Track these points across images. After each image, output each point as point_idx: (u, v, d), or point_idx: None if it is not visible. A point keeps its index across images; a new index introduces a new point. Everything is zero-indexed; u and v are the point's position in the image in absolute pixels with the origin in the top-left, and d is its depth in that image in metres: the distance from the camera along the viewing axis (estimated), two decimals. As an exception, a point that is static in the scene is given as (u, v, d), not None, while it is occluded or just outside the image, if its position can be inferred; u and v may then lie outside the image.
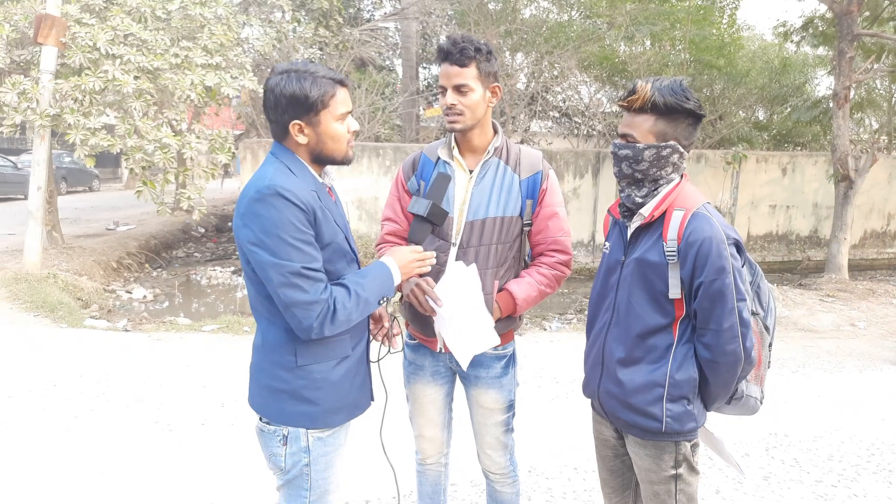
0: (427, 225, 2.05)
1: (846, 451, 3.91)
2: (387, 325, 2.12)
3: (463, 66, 2.08)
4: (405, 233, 2.34)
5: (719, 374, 1.83)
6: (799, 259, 12.70)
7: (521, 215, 2.21)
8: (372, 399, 2.03)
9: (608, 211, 2.11)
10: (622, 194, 1.94)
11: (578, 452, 3.72)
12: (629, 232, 1.94)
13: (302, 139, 1.79)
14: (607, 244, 2.07)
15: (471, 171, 2.22)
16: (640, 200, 1.88)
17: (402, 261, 1.93)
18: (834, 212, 10.25)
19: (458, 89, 2.10)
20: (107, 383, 4.69)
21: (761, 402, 1.99)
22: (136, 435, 3.87)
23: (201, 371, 5.01)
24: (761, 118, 16.39)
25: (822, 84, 17.31)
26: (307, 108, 1.74)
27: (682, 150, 1.84)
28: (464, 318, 2.08)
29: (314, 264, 1.70)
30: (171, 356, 5.39)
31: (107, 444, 3.75)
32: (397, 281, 1.91)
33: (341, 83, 1.79)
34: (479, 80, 2.11)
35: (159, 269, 10.88)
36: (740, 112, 15.38)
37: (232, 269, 10.69)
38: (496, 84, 2.19)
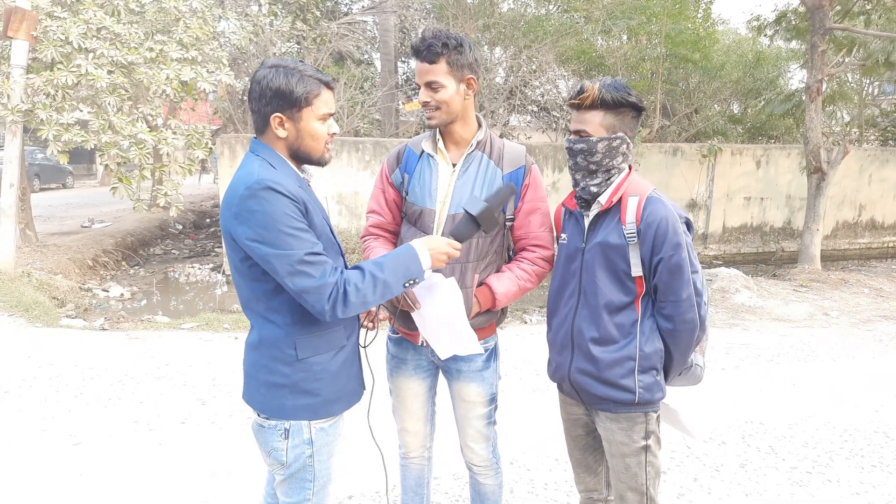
0: (474, 226, 1.99)
1: (820, 438, 4.00)
2: (373, 309, 2.11)
3: (432, 62, 2.09)
4: (389, 225, 2.35)
5: (679, 343, 2.00)
6: (773, 250, 12.91)
7: (503, 210, 2.22)
8: (364, 387, 2.07)
9: (562, 205, 2.25)
10: (578, 187, 2.09)
11: (559, 444, 3.74)
12: (587, 220, 2.08)
13: (281, 133, 1.80)
14: (564, 235, 2.20)
15: (454, 165, 2.23)
16: (595, 190, 2.04)
17: (434, 248, 1.90)
18: (807, 203, 10.43)
19: (430, 86, 2.12)
20: (84, 383, 4.63)
21: (703, 370, 2.15)
22: (115, 435, 3.84)
23: (181, 369, 4.97)
24: (736, 111, 16.62)
25: (795, 77, 17.59)
26: (290, 102, 1.77)
27: (629, 140, 2.03)
28: (443, 325, 2.09)
29: (316, 249, 1.73)
30: (149, 355, 5.33)
31: (85, 444, 3.71)
32: (426, 265, 1.87)
33: (327, 85, 1.81)
34: (450, 74, 2.11)
35: (136, 267, 10.73)
36: (715, 106, 15.57)
37: (210, 266, 10.59)
38: (471, 76, 2.16)
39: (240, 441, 3.77)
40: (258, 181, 1.69)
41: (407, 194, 2.27)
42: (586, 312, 2.06)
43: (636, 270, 1.98)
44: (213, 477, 3.36)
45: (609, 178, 2.03)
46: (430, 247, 1.89)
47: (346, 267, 1.92)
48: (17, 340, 5.64)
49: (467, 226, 1.99)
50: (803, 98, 10.89)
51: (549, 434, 3.91)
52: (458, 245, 1.96)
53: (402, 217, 2.35)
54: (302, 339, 1.82)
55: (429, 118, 2.15)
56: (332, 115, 1.85)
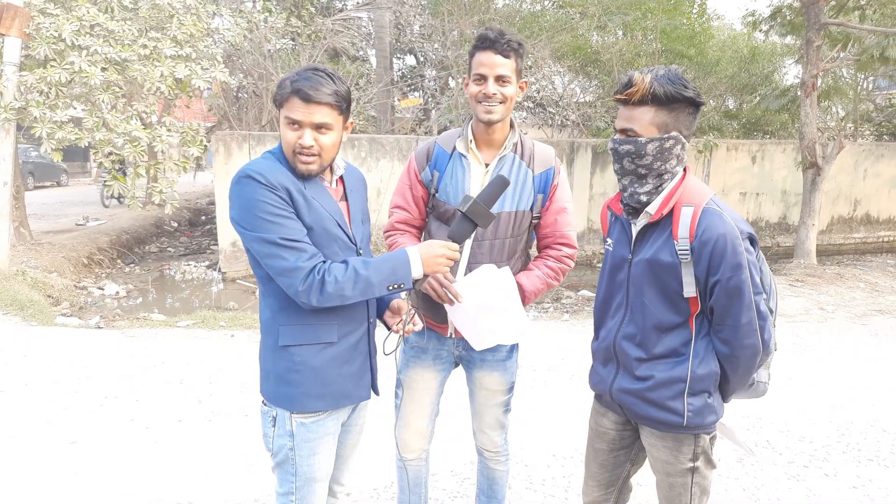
0: (469, 225, 1.93)
1: (817, 433, 4.01)
2: (404, 317, 2.07)
3: (507, 57, 2.12)
4: (416, 221, 2.37)
5: (738, 368, 1.81)
6: (768, 245, 12.93)
7: (531, 209, 2.28)
8: (375, 393, 2.06)
9: (607, 206, 2.05)
10: (624, 193, 1.87)
11: (556, 439, 3.76)
12: (635, 230, 1.88)
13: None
14: (609, 241, 2.01)
15: (486, 165, 2.25)
16: (644, 198, 1.82)
17: (428, 254, 1.85)
18: (802, 198, 10.45)
19: (500, 79, 2.13)
20: (80, 381, 4.61)
21: (767, 385, 1.98)
22: (112, 433, 3.82)
23: (177, 367, 4.95)
24: (731, 107, 16.61)
25: (790, 73, 17.63)
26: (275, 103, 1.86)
27: (684, 140, 1.80)
28: (489, 315, 2.08)
29: (293, 235, 1.76)
30: (145, 353, 5.31)
31: (81, 443, 3.69)
32: (416, 272, 1.83)
33: (297, 93, 1.75)
34: (515, 73, 2.16)
35: (132, 265, 10.69)
36: (710, 101, 15.55)
37: (206, 263, 10.56)
38: (524, 80, 2.24)
39: (236, 439, 3.75)
40: (243, 170, 1.79)
41: (437, 192, 2.28)
42: (632, 330, 1.89)
43: (689, 291, 1.77)
44: (209, 475, 3.35)
45: (661, 185, 1.80)
46: (423, 252, 1.85)
47: None
48: (12, 339, 5.62)
49: (462, 225, 1.93)
50: (798, 93, 10.90)
51: (546, 430, 3.91)
52: (455, 246, 1.89)
53: (428, 213, 2.37)
54: (286, 327, 1.85)
55: (489, 111, 2.15)
56: (298, 123, 1.77)
